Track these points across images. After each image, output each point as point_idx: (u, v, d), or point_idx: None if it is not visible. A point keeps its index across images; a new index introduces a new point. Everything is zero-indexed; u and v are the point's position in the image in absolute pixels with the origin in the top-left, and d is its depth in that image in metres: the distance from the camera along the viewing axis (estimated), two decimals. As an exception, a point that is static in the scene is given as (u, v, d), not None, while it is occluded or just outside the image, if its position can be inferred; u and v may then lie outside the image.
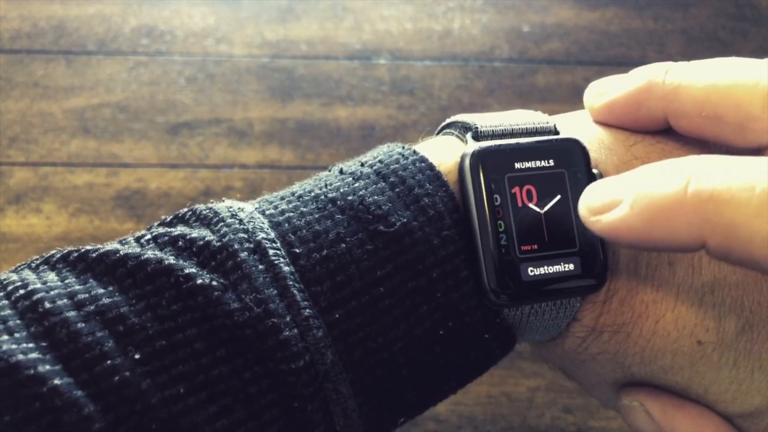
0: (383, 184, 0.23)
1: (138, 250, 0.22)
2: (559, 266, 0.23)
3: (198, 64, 0.91)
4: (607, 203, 0.20)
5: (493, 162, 0.23)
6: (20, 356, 0.19)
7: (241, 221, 0.22)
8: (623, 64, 0.93)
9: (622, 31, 0.95)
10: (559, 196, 0.23)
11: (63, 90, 0.89)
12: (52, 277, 0.21)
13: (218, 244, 0.22)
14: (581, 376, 0.26)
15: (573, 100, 0.90)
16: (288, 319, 0.21)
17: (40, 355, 0.19)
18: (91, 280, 0.21)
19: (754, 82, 0.22)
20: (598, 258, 0.23)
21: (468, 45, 0.94)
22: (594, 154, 0.24)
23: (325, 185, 0.24)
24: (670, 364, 0.24)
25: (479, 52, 0.93)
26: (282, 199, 0.24)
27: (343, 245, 0.22)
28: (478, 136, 0.24)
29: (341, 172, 0.24)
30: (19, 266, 0.23)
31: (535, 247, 0.23)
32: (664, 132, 0.25)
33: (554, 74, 0.92)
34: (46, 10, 0.93)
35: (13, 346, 0.19)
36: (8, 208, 0.82)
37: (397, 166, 0.24)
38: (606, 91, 0.25)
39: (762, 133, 0.22)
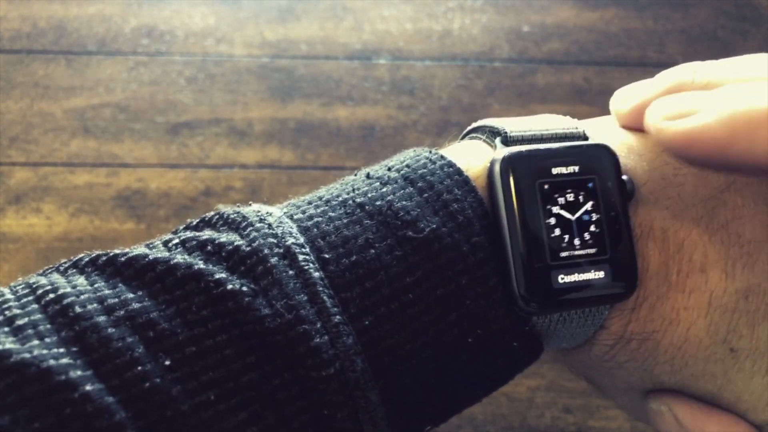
0: (411, 189, 0.23)
1: (166, 254, 0.22)
2: (589, 274, 0.22)
3: (198, 64, 0.91)
4: (686, 111, 0.19)
5: (524, 168, 0.23)
6: (51, 362, 0.19)
7: (270, 226, 0.22)
8: (623, 64, 0.93)
9: (622, 31, 0.95)
10: (590, 203, 0.23)
11: (63, 90, 0.89)
12: (81, 281, 0.21)
13: (248, 249, 0.21)
14: (607, 384, 0.26)
15: (573, 100, 0.90)
16: (318, 325, 0.21)
17: (71, 361, 0.19)
18: (120, 285, 0.21)
19: None
20: (628, 265, 0.23)
21: (468, 45, 0.94)
22: (623, 159, 0.24)
23: (353, 190, 0.23)
24: (701, 372, 0.23)
25: (479, 52, 0.93)
26: (310, 203, 0.23)
27: (372, 251, 0.22)
28: (507, 141, 0.24)
29: (368, 176, 0.24)
30: (47, 269, 0.23)
31: (566, 254, 0.22)
32: None
33: (554, 74, 0.92)
34: (46, 10, 0.93)
35: (44, 351, 0.19)
36: (8, 208, 0.82)
37: (425, 171, 0.23)
38: (633, 96, 0.25)
39: None
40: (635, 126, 0.25)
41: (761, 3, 0.97)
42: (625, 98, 0.25)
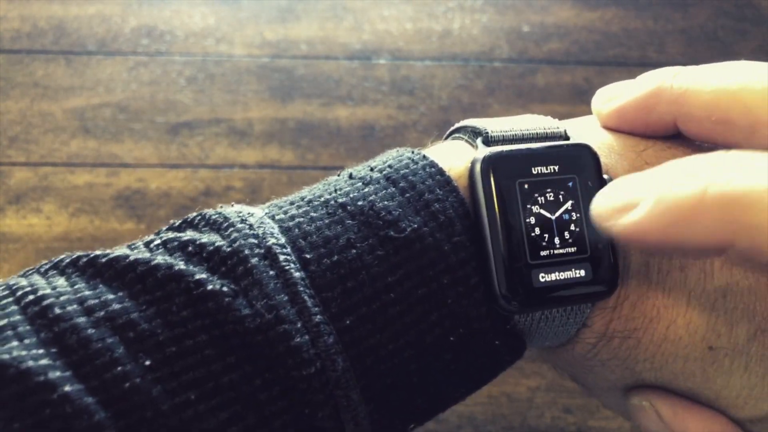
0: (393, 189, 0.23)
1: (148, 255, 0.22)
2: (570, 272, 0.23)
3: (198, 64, 0.91)
4: (624, 205, 0.19)
5: (504, 167, 0.23)
6: (30, 362, 0.19)
7: (251, 226, 0.22)
8: (623, 64, 0.93)
9: (622, 31, 0.95)
10: (570, 202, 0.23)
11: (63, 90, 0.89)
12: (61, 282, 0.21)
13: (228, 249, 0.21)
14: (590, 381, 0.26)
15: (573, 100, 0.90)
16: (299, 325, 0.21)
17: (50, 362, 0.19)
18: (100, 286, 0.21)
19: (763, 85, 0.22)
20: (608, 264, 0.23)
21: (468, 45, 0.94)
22: (604, 159, 0.24)
23: (335, 190, 0.23)
24: (681, 369, 0.24)
25: (479, 52, 0.93)
26: (291, 204, 0.23)
27: (354, 251, 0.22)
28: (488, 141, 0.24)
29: (351, 176, 0.24)
30: (28, 271, 0.23)
31: (546, 253, 0.23)
32: (674, 137, 0.25)
33: (554, 74, 0.92)
34: (46, 10, 0.93)
35: (24, 353, 0.19)
36: (8, 208, 0.82)
37: (407, 171, 0.23)
38: (615, 96, 0.25)
39: None
40: (617, 127, 0.25)
41: (761, 3, 0.97)
42: (606, 98, 0.26)
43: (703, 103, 0.23)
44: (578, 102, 0.89)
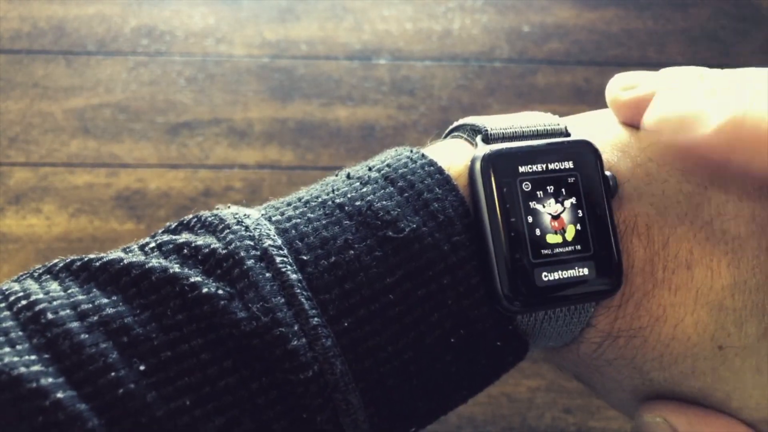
0: (391, 188, 0.23)
1: (142, 258, 0.21)
2: (573, 270, 0.22)
3: (198, 64, 0.91)
4: (688, 115, 0.20)
5: (505, 165, 0.22)
6: (22, 369, 0.18)
7: (247, 228, 0.22)
8: (623, 64, 0.93)
9: (622, 31, 0.95)
10: (572, 199, 0.23)
11: (63, 90, 0.89)
12: (54, 286, 0.21)
13: (224, 251, 0.21)
14: (596, 382, 0.26)
15: (573, 100, 0.90)
16: (296, 328, 0.20)
17: (42, 368, 0.18)
18: (94, 290, 0.21)
19: None
20: (612, 261, 0.22)
21: (468, 45, 0.94)
22: (606, 155, 0.24)
23: (333, 190, 0.23)
24: (690, 369, 0.23)
25: (479, 52, 0.93)
26: (288, 204, 0.23)
27: (352, 252, 0.22)
28: (488, 139, 0.24)
29: (348, 176, 0.24)
30: (21, 275, 0.22)
31: (549, 251, 0.22)
32: None
33: (554, 74, 0.92)
34: (46, 10, 0.93)
35: (15, 359, 0.18)
36: (8, 208, 0.82)
37: (406, 170, 0.23)
38: (635, 85, 0.25)
39: None
40: (630, 117, 0.25)
41: (761, 3, 0.97)
42: (626, 86, 0.25)
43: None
44: (578, 102, 0.89)
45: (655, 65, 0.93)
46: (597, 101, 0.94)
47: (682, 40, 0.95)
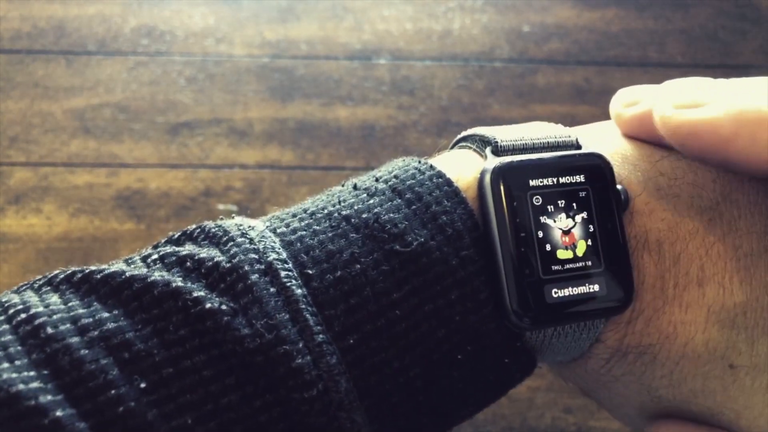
0: (399, 200, 0.22)
1: (144, 271, 0.21)
2: (584, 287, 0.22)
3: (198, 64, 0.91)
4: (695, 102, 0.19)
5: (515, 178, 0.22)
6: (21, 386, 0.18)
7: (251, 240, 0.21)
8: (623, 64, 0.93)
9: (622, 31, 0.95)
10: (583, 213, 0.22)
11: (63, 90, 0.89)
12: (55, 299, 0.20)
13: (228, 265, 0.21)
14: (603, 397, 0.25)
15: (573, 100, 0.90)
16: (300, 345, 0.20)
17: (41, 385, 0.18)
18: (95, 303, 0.20)
19: None
20: (623, 278, 0.22)
21: (468, 45, 0.94)
22: (618, 169, 0.23)
23: (339, 201, 0.23)
24: (700, 388, 0.23)
25: (479, 52, 0.93)
26: (294, 216, 0.23)
27: (358, 266, 0.21)
28: (498, 151, 0.23)
29: (355, 187, 0.23)
30: (22, 286, 0.22)
31: (559, 267, 0.22)
32: None
33: (554, 74, 0.92)
34: (46, 10, 0.93)
35: (14, 375, 0.18)
36: (8, 208, 0.82)
37: (414, 182, 0.23)
38: (636, 101, 0.24)
39: None
40: (636, 134, 0.24)
41: (761, 3, 0.97)
42: (628, 102, 0.25)
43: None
44: (579, 102, 0.89)
45: (655, 65, 0.93)
46: (597, 101, 0.95)
47: (682, 40, 0.95)
